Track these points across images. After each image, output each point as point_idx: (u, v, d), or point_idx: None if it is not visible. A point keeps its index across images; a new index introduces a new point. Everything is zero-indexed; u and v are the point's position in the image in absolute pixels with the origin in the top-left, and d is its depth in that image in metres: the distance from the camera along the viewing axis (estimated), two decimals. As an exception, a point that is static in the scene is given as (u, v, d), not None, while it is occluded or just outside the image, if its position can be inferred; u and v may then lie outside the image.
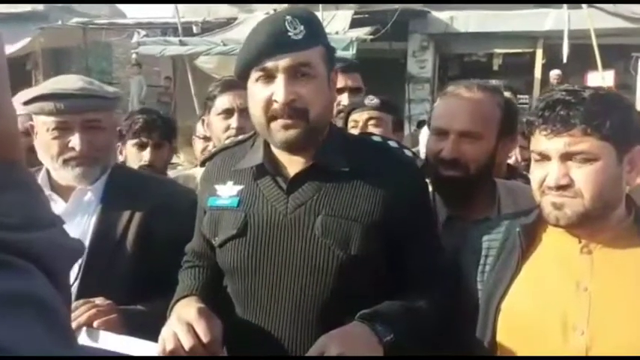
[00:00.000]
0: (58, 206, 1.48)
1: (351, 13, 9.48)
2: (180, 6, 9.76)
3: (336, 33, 8.53)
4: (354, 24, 9.27)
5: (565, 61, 9.01)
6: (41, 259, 0.46)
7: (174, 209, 1.47)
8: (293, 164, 1.23)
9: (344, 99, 2.33)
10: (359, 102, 2.13)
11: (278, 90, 1.15)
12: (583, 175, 1.11)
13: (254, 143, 1.31)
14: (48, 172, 1.52)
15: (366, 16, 9.56)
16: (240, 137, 1.45)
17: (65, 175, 1.48)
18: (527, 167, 1.67)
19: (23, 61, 12.25)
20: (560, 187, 1.12)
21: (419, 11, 10.07)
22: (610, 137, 1.09)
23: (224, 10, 11.02)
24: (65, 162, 1.46)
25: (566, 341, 1.12)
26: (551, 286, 1.17)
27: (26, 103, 1.47)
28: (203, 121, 2.21)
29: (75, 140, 1.44)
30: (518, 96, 6.97)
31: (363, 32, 8.97)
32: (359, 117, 2.06)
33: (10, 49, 10.29)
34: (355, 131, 1.99)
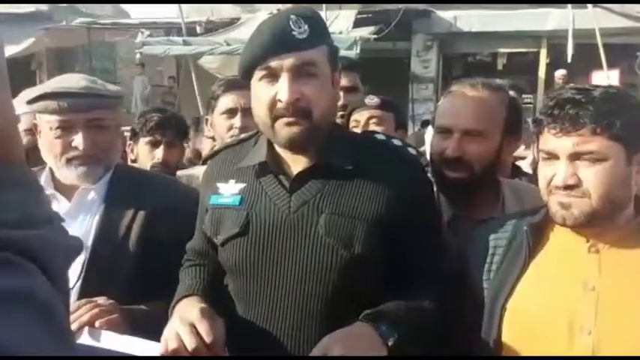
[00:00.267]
0: (61, 205, 1.48)
1: (355, 13, 9.46)
2: (184, 6, 9.76)
3: (340, 33, 8.50)
4: (358, 23, 9.26)
5: (569, 60, 8.99)
6: (39, 257, 0.46)
7: (177, 209, 1.46)
8: (296, 163, 1.23)
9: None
10: (359, 102, 2.12)
11: (282, 89, 1.15)
12: (591, 175, 1.09)
13: (257, 141, 1.31)
14: (51, 171, 1.52)
15: (370, 15, 9.56)
16: (243, 135, 1.44)
17: (68, 174, 1.47)
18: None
19: (27, 61, 12.30)
20: (567, 187, 1.11)
21: (423, 11, 10.06)
22: (620, 137, 1.08)
23: (228, 10, 11.04)
24: (68, 161, 1.46)
25: (573, 341, 1.11)
26: (558, 286, 1.16)
27: (30, 101, 1.47)
28: (207, 120, 2.21)
29: (78, 139, 1.44)
30: (523, 95, 6.94)
31: (366, 32, 8.95)
32: (360, 116, 2.05)
33: (14, 49, 10.34)
34: (357, 131, 1.98)
